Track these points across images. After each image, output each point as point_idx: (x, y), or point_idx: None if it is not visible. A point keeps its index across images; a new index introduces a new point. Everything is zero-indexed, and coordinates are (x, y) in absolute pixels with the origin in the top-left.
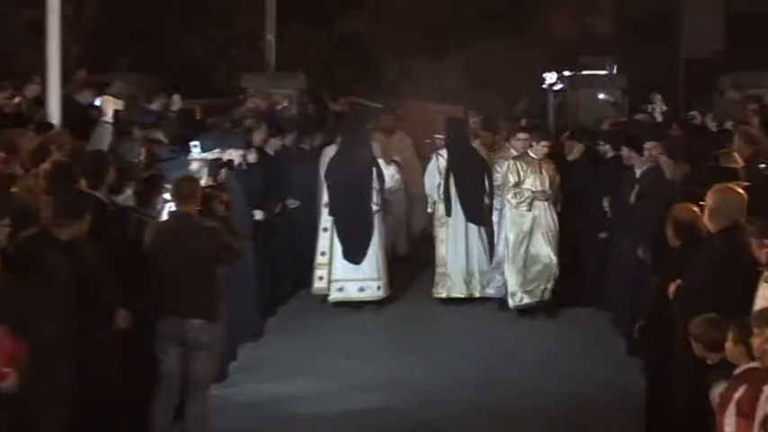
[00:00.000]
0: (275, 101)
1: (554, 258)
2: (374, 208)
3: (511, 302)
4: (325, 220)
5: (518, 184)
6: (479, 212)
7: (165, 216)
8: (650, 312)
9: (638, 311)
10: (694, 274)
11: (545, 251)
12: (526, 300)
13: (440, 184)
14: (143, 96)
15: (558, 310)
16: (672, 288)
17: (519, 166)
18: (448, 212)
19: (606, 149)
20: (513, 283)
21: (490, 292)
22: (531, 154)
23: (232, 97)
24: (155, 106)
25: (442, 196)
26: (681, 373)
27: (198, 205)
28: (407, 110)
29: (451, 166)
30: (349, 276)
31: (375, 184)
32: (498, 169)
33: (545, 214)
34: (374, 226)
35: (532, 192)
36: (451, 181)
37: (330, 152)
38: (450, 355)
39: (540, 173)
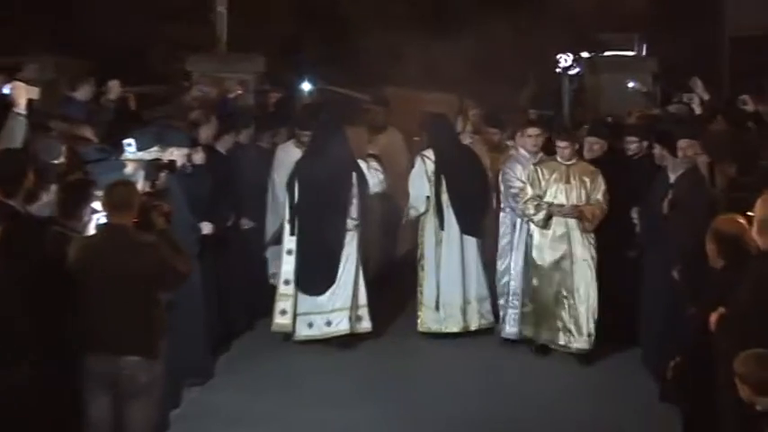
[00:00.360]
0: (227, 88)
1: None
2: (350, 224)
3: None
4: (290, 240)
5: (539, 197)
6: (476, 222)
7: (92, 229)
8: (688, 348)
9: (672, 347)
10: (741, 301)
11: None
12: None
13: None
14: (65, 83)
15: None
16: (713, 318)
17: (540, 173)
18: (442, 225)
19: (633, 148)
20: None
21: (484, 323)
22: (559, 158)
23: (174, 84)
24: (80, 95)
25: (433, 208)
26: (725, 422)
27: (134, 217)
28: (394, 100)
29: (441, 170)
30: (319, 308)
31: (354, 193)
32: (512, 174)
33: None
34: (343, 248)
35: (548, 205)
36: (443, 188)
37: (288, 151)
38: (438, 400)
39: (568, 181)
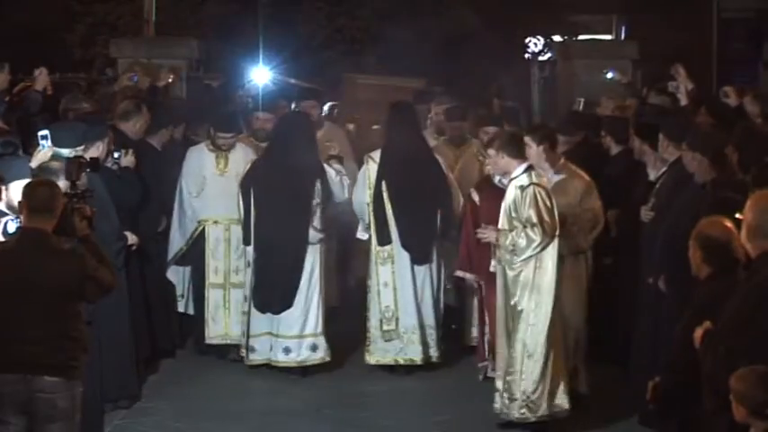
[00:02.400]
0: (160, 76)
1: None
2: (314, 237)
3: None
4: (248, 251)
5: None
6: (426, 246)
7: (0, 231)
8: (670, 366)
9: (655, 364)
10: (729, 314)
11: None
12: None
13: (370, 201)
14: None
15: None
16: (698, 334)
17: (540, 195)
18: (381, 240)
19: (609, 143)
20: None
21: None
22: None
23: (95, 71)
24: None
25: (372, 218)
26: None
27: (55, 222)
28: (351, 87)
29: (384, 175)
30: (277, 331)
31: (318, 201)
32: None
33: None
34: (304, 263)
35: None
36: (385, 195)
37: (200, 155)
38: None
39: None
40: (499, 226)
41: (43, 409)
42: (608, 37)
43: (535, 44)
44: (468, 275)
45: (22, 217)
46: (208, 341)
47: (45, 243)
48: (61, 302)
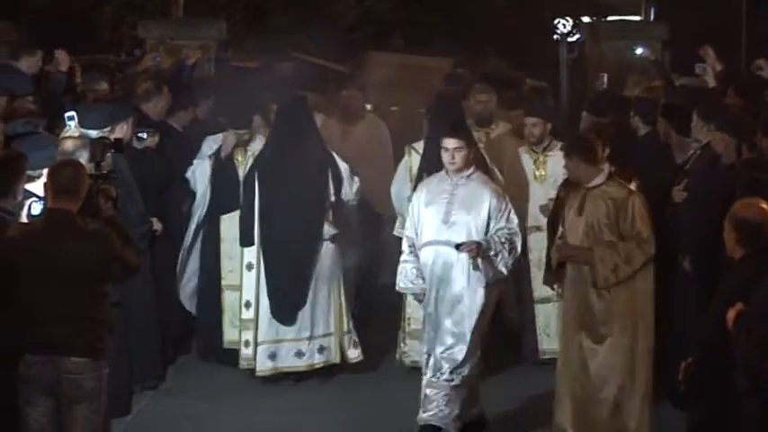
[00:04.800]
0: (189, 54)
1: None
2: (327, 231)
3: None
4: (249, 252)
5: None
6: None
7: (25, 213)
8: (702, 349)
9: (686, 347)
10: (762, 297)
11: None
12: None
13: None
14: (2, 49)
15: None
16: (731, 315)
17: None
18: None
19: (637, 123)
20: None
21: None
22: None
23: (124, 52)
24: (24, 67)
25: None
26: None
27: (80, 203)
28: (378, 67)
29: (425, 168)
30: (284, 335)
31: (330, 194)
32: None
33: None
34: (317, 261)
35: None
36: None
37: (215, 144)
38: None
39: (581, 210)
40: (576, 242)
41: (70, 391)
42: (637, 18)
43: (564, 25)
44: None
45: (47, 198)
46: (227, 346)
47: (71, 224)
48: (87, 283)
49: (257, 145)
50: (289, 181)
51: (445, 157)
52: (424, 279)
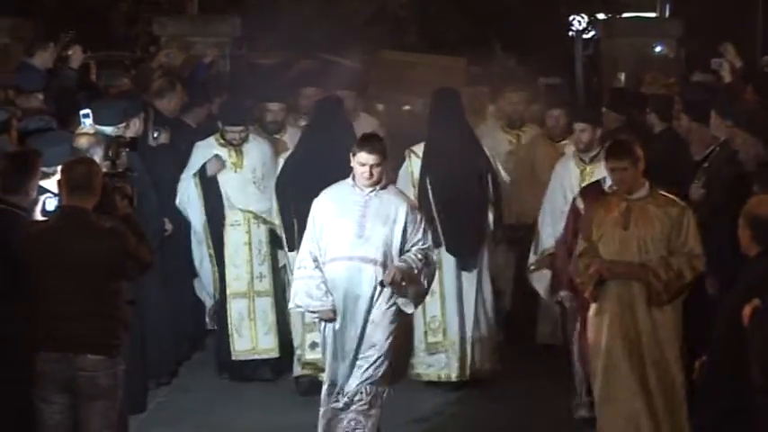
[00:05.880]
0: (204, 54)
1: None
2: None
3: None
4: (291, 256)
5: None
6: (474, 251)
7: (39, 209)
8: (717, 345)
9: (701, 344)
10: None
11: None
12: None
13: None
14: (18, 47)
15: None
16: (747, 311)
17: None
18: (437, 242)
19: (653, 120)
20: None
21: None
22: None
23: (139, 49)
24: (38, 62)
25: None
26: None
27: (95, 200)
28: (388, 67)
29: (427, 171)
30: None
31: None
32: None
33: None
34: None
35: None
36: (429, 195)
37: (209, 152)
38: None
39: (624, 226)
40: (629, 258)
41: (86, 388)
42: (652, 14)
43: (579, 22)
44: (569, 296)
45: (61, 195)
46: (235, 357)
47: (85, 221)
48: (102, 281)
49: (253, 146)
50: (322, 188)
51: (362, 171)
52: (332, 296)
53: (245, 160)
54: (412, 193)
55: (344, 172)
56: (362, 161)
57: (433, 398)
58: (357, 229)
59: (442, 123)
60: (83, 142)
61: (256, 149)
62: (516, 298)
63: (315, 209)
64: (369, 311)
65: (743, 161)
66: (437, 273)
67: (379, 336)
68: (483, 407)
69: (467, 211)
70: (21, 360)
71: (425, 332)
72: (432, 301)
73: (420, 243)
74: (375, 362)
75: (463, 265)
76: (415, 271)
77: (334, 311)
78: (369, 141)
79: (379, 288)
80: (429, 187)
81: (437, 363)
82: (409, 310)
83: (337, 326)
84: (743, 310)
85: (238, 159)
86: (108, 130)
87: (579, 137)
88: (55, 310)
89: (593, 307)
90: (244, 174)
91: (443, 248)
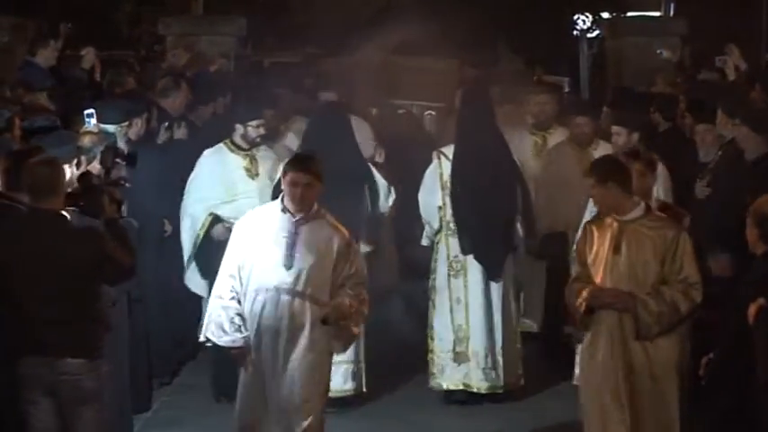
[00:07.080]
0: (208, 58)
1: None
2: (362, 249)
3: None
4: None
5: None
6: (501, 259)
7: None
8: (724, 344)
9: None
10: None
11: None
12: None
13: (442, 204)
14: (21, 45)
15: None
16: (753, 310)
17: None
18: (464, 249)
19: (658, 119)
20: None
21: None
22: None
23: (143, 48)
24: (40, 60)
25: (451, 224)
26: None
27: (62, 201)
28: (391, 69)
29: (459, 174)
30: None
31: (365, 210)
32: None
33: None
34: None
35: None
36: (459, 198)
37: (223, 159)
38: None
39: (615, 250)
40: (618, 285)
41: (70, 392)
42: (656, 14)
43: (583, 21)
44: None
45: (29, 197)
46: None
47: (61, 223)
48: (80, 283)
49: (265, 153)
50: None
51: (293, 192)
52: (246, 331)
53: (260, 168)
54: (439, 196)
55: (348, 181)
56: (294, 180)
57: (458, 409)
58: (284, 259)
59: (471, 127)
60: (86, 141)
61: (269, 156)
62: (548, 312)
63: (237, 231)
64: (297, 348)
65: (751, 159)
66: (462, 280)
67: (308, 378)
68: (510, 419)
69: (497, 220)
70: (8, 363)
71: (454, 341)
72: (458, 310)
73: (354, 278)
74: (304, 409)
75: (491, 275)
76: (353, 310)
77: (249, 348)
78: (302, 161)
79: (307, 325)
80: (459, 193)
81: (459, 373)
82: (338, 351)
83: (260, 365)
84: (749, 308)
85: (253, 166)
86: (111, 128)
87: (615, 140)
88: (32, 314)
89: (585, 337)
90: (261, 180)
91: (471, 256)
